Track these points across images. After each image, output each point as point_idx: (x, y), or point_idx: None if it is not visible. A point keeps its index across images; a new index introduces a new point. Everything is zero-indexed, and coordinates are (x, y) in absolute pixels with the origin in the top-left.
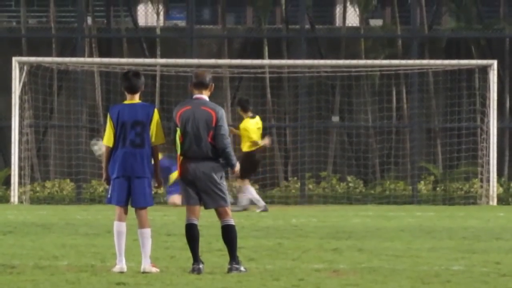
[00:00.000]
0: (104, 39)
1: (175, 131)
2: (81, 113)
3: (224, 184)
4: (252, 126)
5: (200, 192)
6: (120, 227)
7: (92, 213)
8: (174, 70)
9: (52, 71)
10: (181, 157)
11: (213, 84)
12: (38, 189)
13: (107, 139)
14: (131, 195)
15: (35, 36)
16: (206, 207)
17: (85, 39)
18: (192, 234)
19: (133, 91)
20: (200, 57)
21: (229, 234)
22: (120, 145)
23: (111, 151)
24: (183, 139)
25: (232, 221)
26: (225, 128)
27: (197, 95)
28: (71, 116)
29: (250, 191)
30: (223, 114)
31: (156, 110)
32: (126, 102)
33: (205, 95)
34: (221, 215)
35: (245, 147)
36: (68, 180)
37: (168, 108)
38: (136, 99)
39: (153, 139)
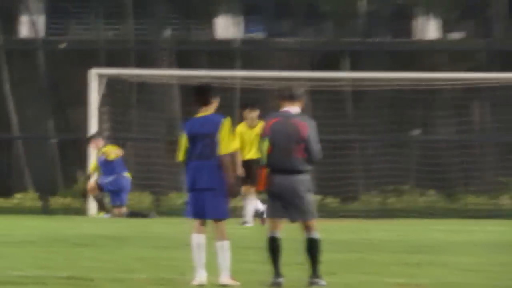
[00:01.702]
0: (183, 52)
1: (262, 142)
2: (159, 126)
3: (310, 197)
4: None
5: (286, 205)
6: (198, 239)
7: (171, 226)
8: (253, 83)
9: (131, 83)
10: (267, 169)
11: (303, 98)
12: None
13: (179, 153)
14: (205, 207)
15: (113, 48)
16: (292, 220)
17: (163, 51)
18: (274, 247)
19: (204, 104)
20: (279, 70)
21: (313, 248)
22: (191, 158)
23: (185, 165)
24: (272, 150)
25: (317, 235)
26: (317, 141)
27: (286, 108)
28: (149, 129)
29: (255, 202)
30: (314, 127)
31: (225, 120)
32: (198, 115)
33: (295, 108)
34: (306, 228)
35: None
36: (146, 193)
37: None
38: (208, 111)
39: (222, 149)
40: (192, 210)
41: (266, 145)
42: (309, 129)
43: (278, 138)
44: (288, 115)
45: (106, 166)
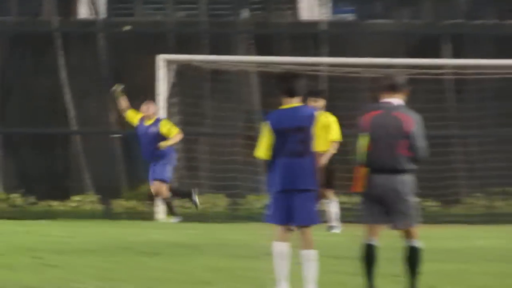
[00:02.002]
0: (262, 35)
1: (361, 138)
2: (237, 119)
3: (413, 200)
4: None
5: (387, 209)
6: (281, 248)
7: (249, 232)
8: (342, 71)
9: (204, 71)
10: (365, 169)
11: (407, 88)
12: (188, 204)
13: (261, 150)
14: (293, 212)
15: (184, 31)
16: (394, 227)
17: (241, 35)
18: (369, 256)
19: (292, 95)
20: (371, 56)
21: (413, 258)
22: (279, 156)
23: (269, 163)
24: (371, 147)
25: (419, 243)
26: (423, 137)
27: (387, 99)
28: (225, 123)
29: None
30: (420, 121)
31: (317, 113)
32: (284, 107)
33: (397, 100)
34: (407, 235)
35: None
36: (222, 195)
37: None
38: (295, 102)
39: (316, 146)
40: (276, 215)
41: (365, 141)
42: (414, 123)
43: (379, 134)
44: (390, 107)
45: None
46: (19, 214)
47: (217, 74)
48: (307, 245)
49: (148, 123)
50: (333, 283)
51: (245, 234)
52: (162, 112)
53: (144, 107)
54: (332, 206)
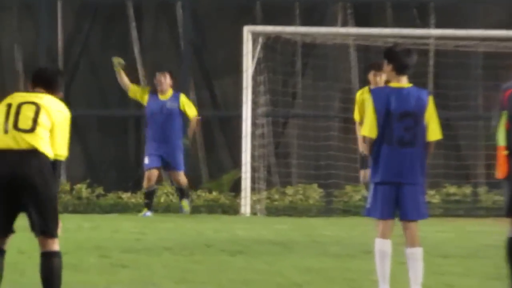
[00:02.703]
0: (362, 4)
1: (499, 116)
2: (333, 99)
3: None
4: None
5: None
6: (384, 246)
7: (346, 228)
8: (453, 44)
9: (295, 44)
10: (506, 152)
11: None
12: (276, 196)
13: (370, 128)
14: (400, 205)
15: (272, 0)
16: None
17: (338, 4)
18: None
19: (401, 72)
20: (486, 28)
21: None
22: (385, 142)
23: (373, 146)
24: (510, 127)
25: None
26: None
27: None
28: (319, 103)
29: None
30: None
31: (431, 97)
32: (392, 85)
33: None
34: None
35: None
36: (315, 186)
37: (444, 93)
38: (405, 82)
39: (428, 135)
40: (381, 208)
41: (503, 119)
42: None
43: None
44: None
45: (177, 121)
46: (85, 207)
47: (310, 48)
48: (413, 243)
49: (163, 97)
50: (440, 284)
51: (342, 230)
52: (247, 92)
53: (160, 78)
54: None
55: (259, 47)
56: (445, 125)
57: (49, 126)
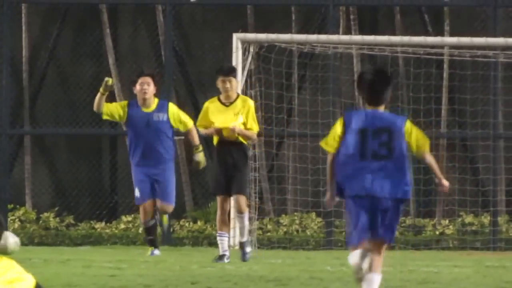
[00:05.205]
0: (366, 8)
1: None
2: (333, 116)
3: None
4: None
5: None
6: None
7: (348, 262)
8: (470, 54)
9: (291, 54)
10: None
11: None
12: (269, 227)
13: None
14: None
15: (265, 4)
16: None
17: (339, 8)
18: None
19: (373, 104)
20: (507, 35)
21: None
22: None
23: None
24: None
25: None
26: None
27: None
28: (318, 121)
29: None
30: None
31: (408, 120)
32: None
33: None
34: None
35: None
36: (313, 215)
37: (460, 109)
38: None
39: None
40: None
41: None
42: None
43: None
44: None
45: (169, 138)
46: (53, 238)
47: (309, 58)
48: (375, 268)
49: (147, 109)
50: None
51: (343, 265)
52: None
53: (142, 85)
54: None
55: (250, 57)
56: (461, 145)
57: None
